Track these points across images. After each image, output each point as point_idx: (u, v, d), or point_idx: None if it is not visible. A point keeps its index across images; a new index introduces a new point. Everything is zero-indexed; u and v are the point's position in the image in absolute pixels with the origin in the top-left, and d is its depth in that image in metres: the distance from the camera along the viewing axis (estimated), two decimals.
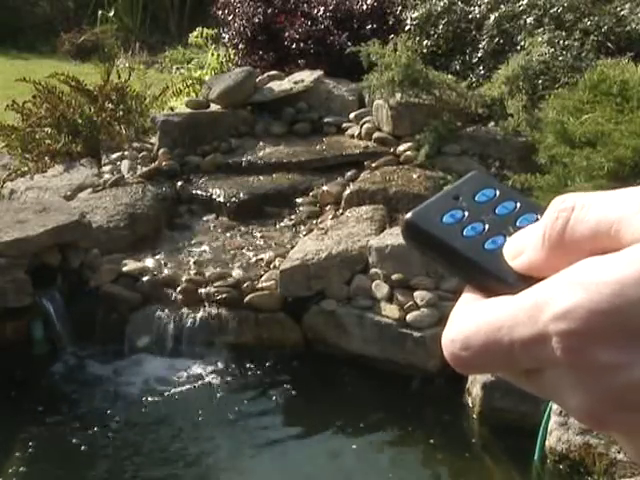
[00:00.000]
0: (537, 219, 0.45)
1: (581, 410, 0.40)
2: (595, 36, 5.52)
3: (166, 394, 4.38)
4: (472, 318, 0.42)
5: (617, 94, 4.35)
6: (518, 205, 0.46)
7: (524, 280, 0.42)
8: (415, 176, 5.19)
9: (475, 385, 3.99)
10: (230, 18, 7.28)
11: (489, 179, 0.48)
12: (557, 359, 0.40)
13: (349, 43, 6.35)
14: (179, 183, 5.62)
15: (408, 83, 5.43)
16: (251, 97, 6.22)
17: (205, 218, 5.42)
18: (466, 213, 0.46)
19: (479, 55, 5.94)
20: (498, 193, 0.47)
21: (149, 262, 4.80)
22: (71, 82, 6.27)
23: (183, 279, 4.64)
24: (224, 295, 4.55)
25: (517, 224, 0.46)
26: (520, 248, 0.44)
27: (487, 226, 0.46)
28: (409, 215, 0.46)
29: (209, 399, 4.38)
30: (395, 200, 5.03)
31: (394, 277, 4.36)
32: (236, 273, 4.69)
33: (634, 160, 3.93)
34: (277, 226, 5.25)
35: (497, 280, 0.43)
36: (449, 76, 5.61)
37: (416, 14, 6.25)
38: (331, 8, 6.86)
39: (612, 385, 0.39)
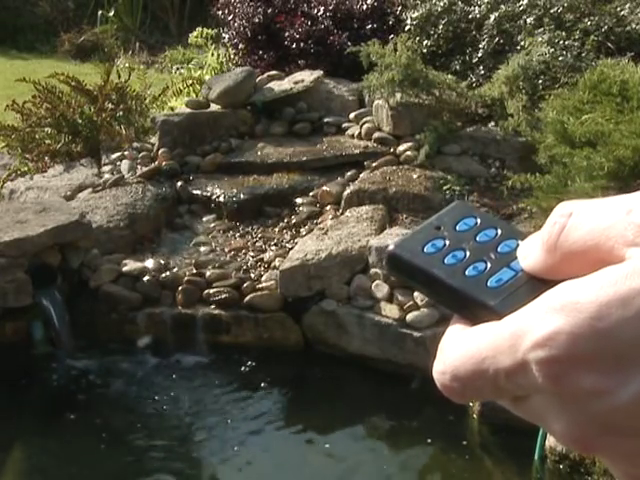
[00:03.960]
0: (518, 245, 0.46)
1: (566, 435, 0.40)
2: (595, 36, 5.52)
3: (166, 394, 4.38)
4: (458, 349, 0.43)
5: (617, 94, 4.35)
6: (499, 232, 0.47)
7: (508, 303, 0.43)
8: (415, 176, 5.19)
9: None
10: (230, 18, 7.28)
11: (470, 208, 0.49)
12: (540, 386, 0.39)
13: (349, 43, 6.35)
14: (179, 183, 5.61)
15: (408, 83, 5.43)
16: (251, 97, 6.22)
17: (205, 218, 5.42)
18: (447, 242, 0.47)
19: (479, 55, 5.94)
20: (479, 221, 0.48)
21: (149, 262, 4.80)
22: (71, 82, 6.26)
23: (183, 279, 4.64)
24: (224, 295, 4.55)
25: (498, 250, 0.46)
26: (528, 251, 0.44)
27: (468, 253, 0.46)
28: (391, 247, 0.47)
29: (209, 399, 4.38)
30: (395, 200, 5.03)
31: (394, 277, 4.35)
32: (236, 273, 4.69)
33: (634, 160, 3.93)
34: (277, 226, 5.24)
35: (480, 305, 0.44)
36: (449, 76, 5.60)
37: (416, 14, 6.25)
38: (331, 8, 6.86)
39: (596, 410, 0.39)
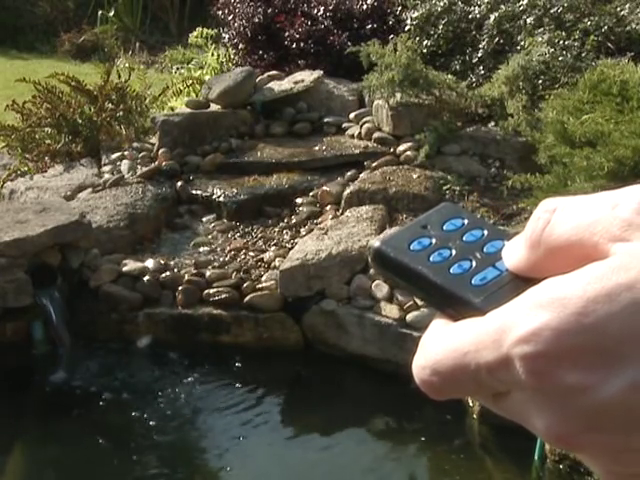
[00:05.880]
0: (504, 246, 0.46)
1: (549, 432, 0.40)
2: (595, 36, 5.52)
3: (165, 394, 4.38)
4: (440, 343, 0.43)
5: (617, 94, 4.35)
6: (486, 233, 0.48)
7: (491, 301, 0.43)
8: (415, 176, 5.19)
9: None
10: (230, 18, 7.29)
11: (458, 210, 0.50)
12: (523, 382, 0.39)
13: (349, 43, 6.35)
14: (179, 183, 5.62)
15: (408, 83, 5.43)
16: (251, 97, 6.22)
17: (205, 218, 5.42)
18: (433, 240, 0.48)
19: (479, 55, 5.94)
20: (466, 222, 0.49)
21: (149, 262, 4.80)
22: (71, 82, 6.27)
23: (183, 279, 4.64)
24: (224, 295, 4.55)
25: (484, 250, 0.47)
26: (512, 249, 0.44)
27: (454, 252, 0.47)
28: (377, 243, 0.48)
29: (208, 399, 4.38)
30: (395, 200, 5.03)
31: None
32: (236, 273, 4.69)
33: (634, 160, 3.93)
34: (277, 226, 5.24)
35: (464, 302, 0.44)
36: (449, 76, 5.60)
37: (416, 14, 6.25)
38: (331, 8, 6.86)
39: (579, 406, 0.38)
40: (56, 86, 6.25)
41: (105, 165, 5.94)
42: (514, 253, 0.44)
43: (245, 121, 6.15)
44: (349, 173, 5.48)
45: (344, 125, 6.02)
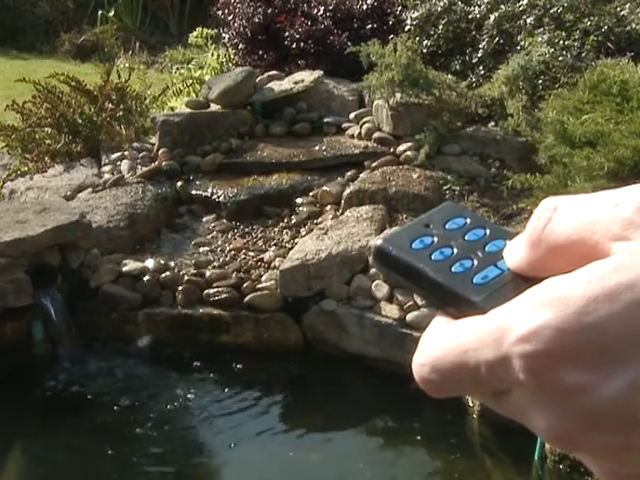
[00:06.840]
0: (506, 245, 0.46)
1: (549, 431, 0.40)
2: (595, 36, 5.52)
3: (166, 394, 4.38)
4: (440, 341, 0.43)
5: (617, 94, 4.35)
6: (488, 232, 0.48)
7: (492, 300, 0.43)
8: (415, 176, 5.18)
9: None
10: (230, 18, 7.28)
11: (461, 209, 0.50)
12: (523, 381, 0.39)
13: (349, 43, 6.35)
14: (179, 183, 5.62)
15: (408, 83, 5.43)
16: (251, 97, 6.22)
17: (205, 218, 5.42)
18: (435, 239, 0.48)
19: (479, 55, 5.94)
20: (468, 221, 0.49)
21: (149, 262, 4.80)
22: (71, 82, 6.26)
23: (183, 279, 4.64)
24: (224, 295, 4.55)
25: (486, 249, 0.47)
26: (513, 248, 0.44)
27: (455, 250, 0.47)
28: (379, 241, 0.48)
29: (208, 399, 4.38)
30: (395, 200, 5.03)
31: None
32: (236, 273, 4.69)
33: (634, 160, 3.93)
34: (277, 226, 5.24)
35: (465, 301, 0.44)
36: (449, 76, 5.60)
37: (416, 14, 6.25)
38: (331, 8, 6.86)
39: (579, 406, 0.38)
40: (56, 86, 6.24)
41: (105, 165, 5.95)
42: (515, 252, 0.44)
43: (245, 121, 6.15)
44: (349, 173, 5.48)
45: (344, 125, 6.02)
